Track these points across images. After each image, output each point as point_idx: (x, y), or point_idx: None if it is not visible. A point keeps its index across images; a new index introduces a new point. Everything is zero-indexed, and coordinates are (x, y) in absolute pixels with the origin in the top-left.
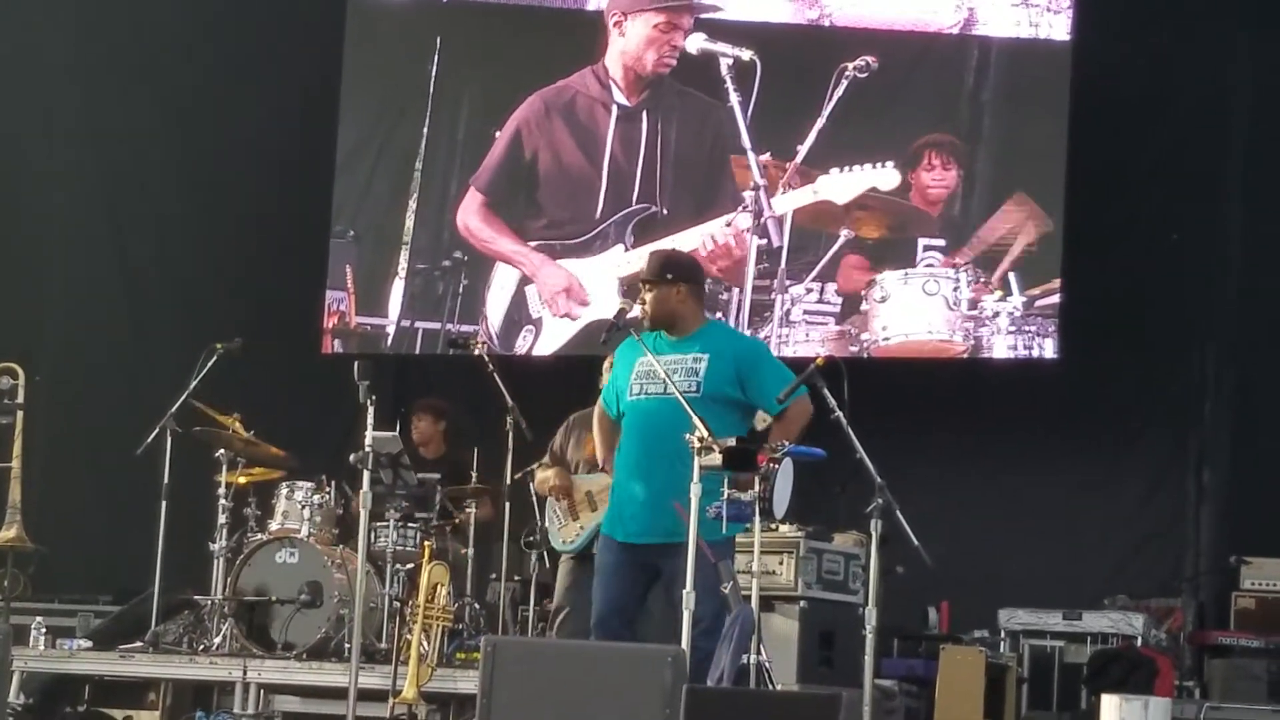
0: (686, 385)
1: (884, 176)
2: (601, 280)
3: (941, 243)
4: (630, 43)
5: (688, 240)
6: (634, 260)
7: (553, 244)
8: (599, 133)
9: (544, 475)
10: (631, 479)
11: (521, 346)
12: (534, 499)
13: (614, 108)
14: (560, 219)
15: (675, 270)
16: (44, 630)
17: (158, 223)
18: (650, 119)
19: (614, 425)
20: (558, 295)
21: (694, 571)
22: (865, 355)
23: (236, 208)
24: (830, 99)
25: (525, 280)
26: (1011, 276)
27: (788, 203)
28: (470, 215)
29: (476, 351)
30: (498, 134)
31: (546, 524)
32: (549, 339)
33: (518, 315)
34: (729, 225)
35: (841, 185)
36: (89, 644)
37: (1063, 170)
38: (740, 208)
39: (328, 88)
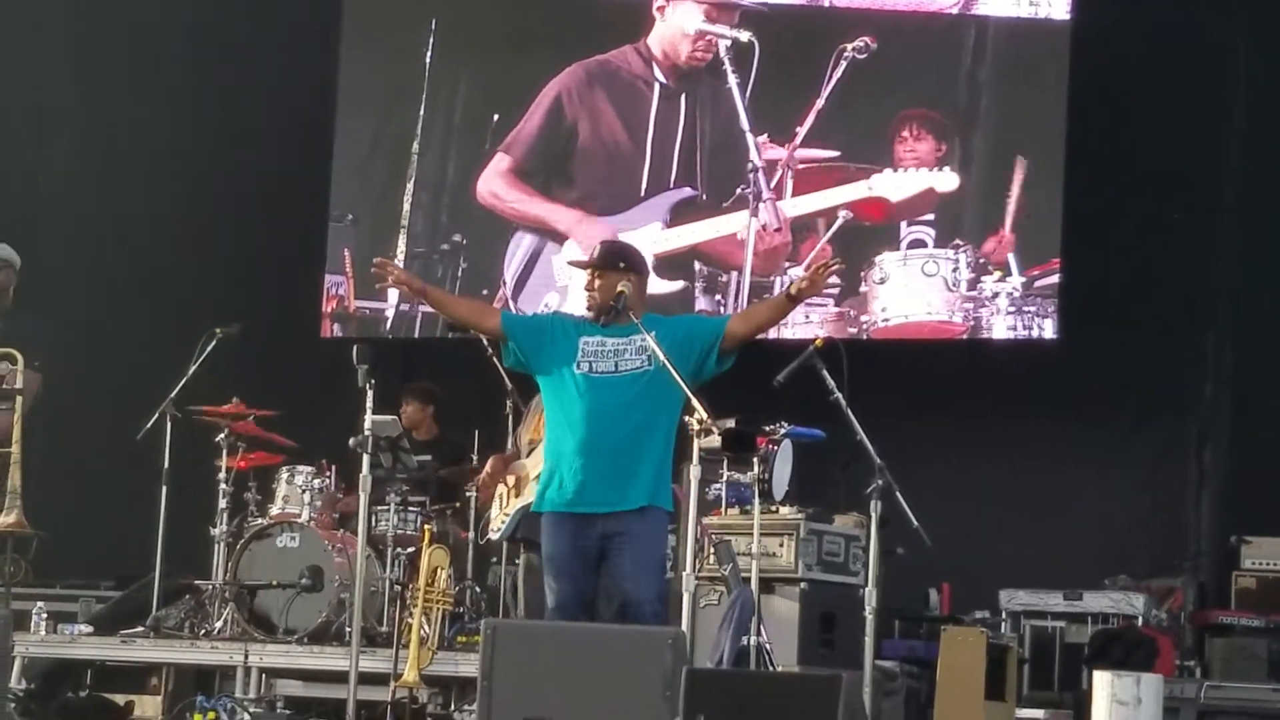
0: (639, 362)
1: (943, 179)
2: None
3: (931, 217)
4: (669, 29)
5: (725, 225)
6: (671, 238)
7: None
8: (642, 110)
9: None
10: (580, 453)
11: (544, 312)
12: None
13: (656, 86)
14: (594, 191)
15: (627, 260)
16: (45, 616)
17: (156, 207)
18: (689, 102)
19: (489, 311)
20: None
21: (692, 554)
22: (864, 337)
23: (234, 192)
24: (829, 80)
25: (549, 249)
26: (1011, 258)
27: (838, 196)
28: (495, 180)
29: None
30: (497, 117)
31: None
32: (574, 306)
33: (539, 282)
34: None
35: (898, 184)
36: (90, 629)
37: (1062, 150)
38: (740, 188)
39: (326, 72)
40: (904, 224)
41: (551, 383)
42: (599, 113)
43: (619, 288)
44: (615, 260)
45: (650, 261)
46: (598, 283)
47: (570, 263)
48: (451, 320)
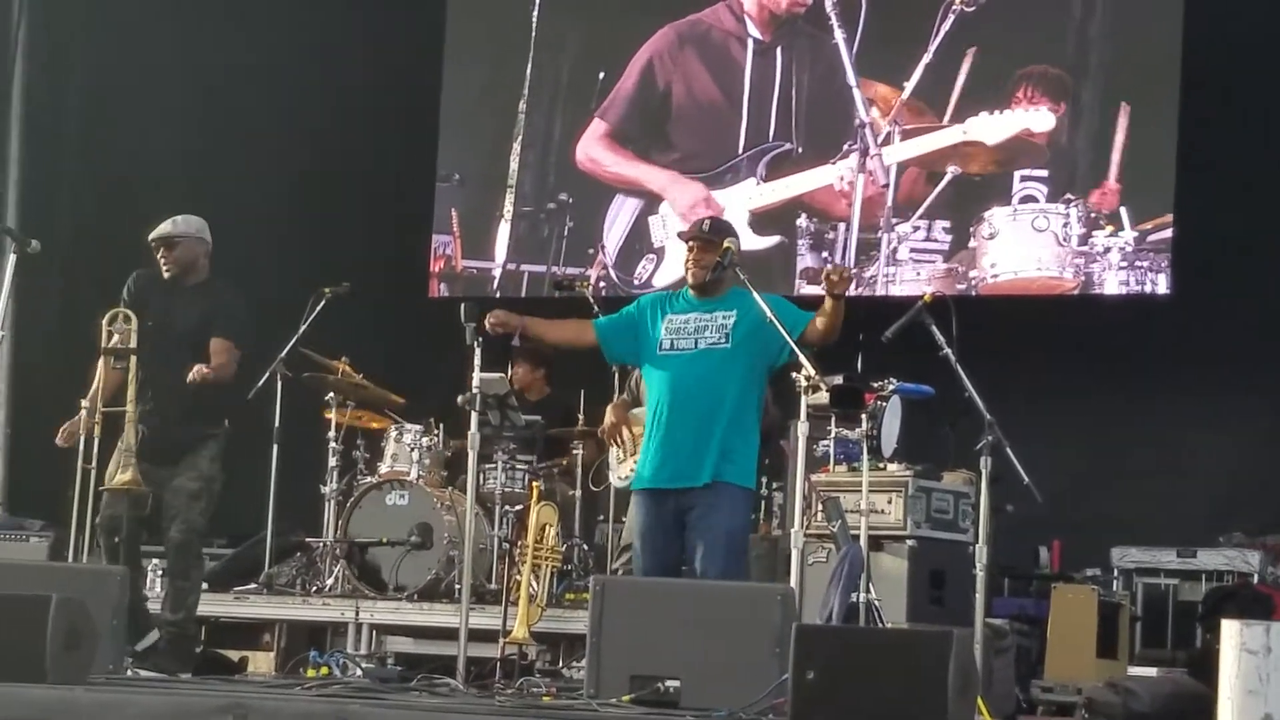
0: (717, 339)
1: (1039, 118)
2: (730, 213)
3: (1044, 173)
4: None
5: (822, 177)
6: (766, 193)
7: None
8: (736, 67)
9: (607, 416)
10: (660, 429)
11: (641, 275)
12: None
13: (749, 42)
14: (693, 151)
15: (728, 233)
16: (160, 573)
17: (266, 169)
18: (784, 56)
19: (583, 328)
20: (696, 207)
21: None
22: (973, 293)
23: (342, 153)
24: (937, 33)
25: (648, 210)
26: (1123, 212)
27: (932, 142)
28: (593, 145)
29: (583, 293)
30: (603, 75)
31: (610, 460)
32: (671, 268)
33: (639, 245)
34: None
35: (993, 126)
36: (205, 586)
37: (1175, 103)
38: (847, 145)
39: (432, 32)
40: (1016, 178)
41: (646, 366)
42: (692, 73)
43: (725, 244)
44: (718, 233)
45: (745, 218)
46: (704, 257)
47: (680, 234)
48: (555, 345)
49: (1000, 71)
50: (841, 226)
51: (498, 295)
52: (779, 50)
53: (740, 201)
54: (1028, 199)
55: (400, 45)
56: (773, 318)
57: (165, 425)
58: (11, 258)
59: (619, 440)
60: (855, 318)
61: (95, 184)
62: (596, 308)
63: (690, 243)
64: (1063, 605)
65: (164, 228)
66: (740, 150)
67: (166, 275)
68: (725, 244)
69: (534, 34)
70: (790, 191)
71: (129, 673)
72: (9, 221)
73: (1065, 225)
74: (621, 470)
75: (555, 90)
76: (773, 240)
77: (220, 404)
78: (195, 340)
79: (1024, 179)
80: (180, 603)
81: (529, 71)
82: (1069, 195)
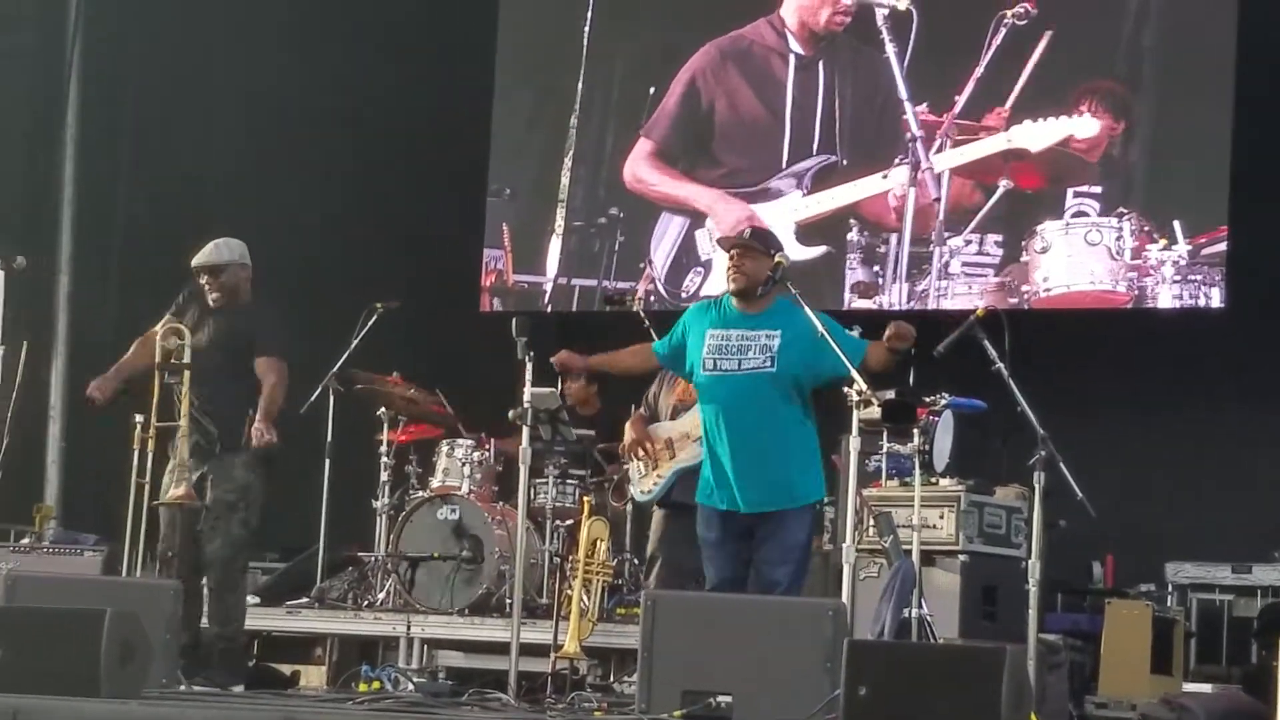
0: (761, 361)
1: (1082, 125)
2: (776, 226)
3: (1099, 190)
4: None
5: (870, 186)
6: (812, 205)
7: (728, 191)
8: (778, 82)
9: (626, 432)
10: (718, 452)
11: (689, 288)
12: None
13: (791, 57)
14: (738, 167)
15: (769, 243)
16: (212, 587)
17: (317, 184)
18: (826, 70)
19: (646, 354)
20: (741, 225)
21: (852, 525)
22: (1026, 306)
23: (393, 168)
24: (989, 47)
25: (694, 225)
26: (1177, 225)
27: (975, 150)
28: (639, 164)
29: (633, 308)
30: (653, 90)
31: (631, 474)
32: (718, 280)
33: (686, 259)
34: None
35: (1037, 134)
36: (257, 600)
37: (1229, 115)
38: (899, 159)
39: (484, 47)
40: (1069, 193)
41: (695, 380)
42: (735, 90)
43: (777, 258)
44: (762, 242)
45: (791, 230)
46: (745, 264)
47: (718, 240)
48: (622, 376)
49: (1053, 85)
50: (893, 239)
51: (549, 310)
52: (821, 65)
53: (785, 214)
54: (1080, 214)
55: (452, 60)
56: (836, 348)
57: (204, 443)
58: (0, 274)
59: (640, 456)
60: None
61: (149, 199)
62: (646, 322)
63: (731, 250)
64: (1117, 621)
65: (208, 254)
66: (784, 164)
67: (214, 304)
68: (777, 259)
69: (585, 49)
70: (836, 202)
71: (181, 687)
72: (65, 238)
73: (1118, 239)
74: (644, 485)
75: (606, 105)
76: (819, 251)
77: (248, 417)
78: (236, 362)
79: (1076, 194)
80: (229, 616)
81: (580, 87)
82: (1121, 209)
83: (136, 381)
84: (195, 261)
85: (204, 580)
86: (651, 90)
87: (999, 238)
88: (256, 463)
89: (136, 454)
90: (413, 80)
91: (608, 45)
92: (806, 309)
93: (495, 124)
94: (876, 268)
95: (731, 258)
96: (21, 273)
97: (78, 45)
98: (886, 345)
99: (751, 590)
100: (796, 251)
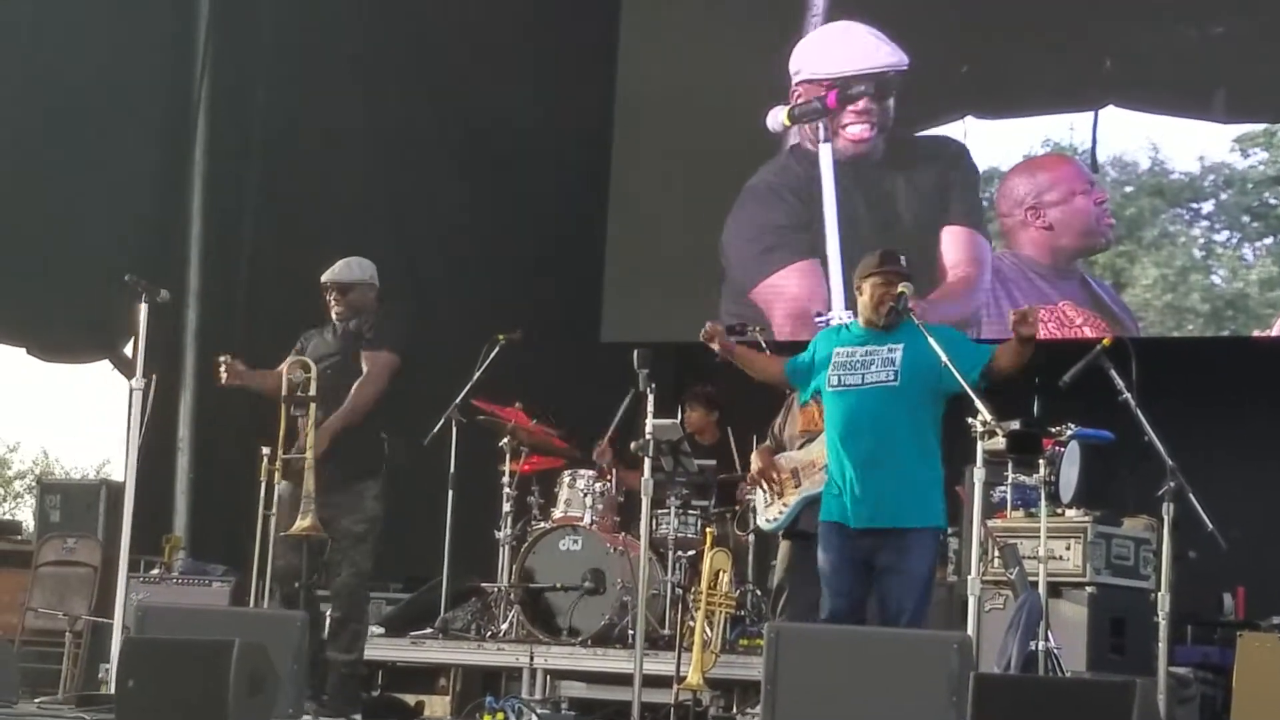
0: (885, 375)
1: None
2: None
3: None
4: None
5: None
6: None
7: None
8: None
9: (753, 460)
10: (840, 467)
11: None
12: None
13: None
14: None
15: (906, 266)
16: (337, 616)
17: (438, 215)
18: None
19: (779, 365)
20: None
21: (977, 557)
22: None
23: (515, 200)
24: None
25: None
26: None
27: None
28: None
29: (754, 337)
30: None
31: (756, 503)
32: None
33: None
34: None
35: None
36: (381, 631)
37: None
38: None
39: (607, 78)
40: None
41: (822, 398)
42: None
43: (900, 287)
44: (898, 266)
45: None
46: (883, 290)
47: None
48: (753, 374)
49: None
50: None
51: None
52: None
53: None
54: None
55: (571, 91)
56: (947, 362)
57: (328, 470)
58: (144, 308)
59: (768, 484)
60: (1033, 362)
61: (275, 233)
62: (767, 350)
63: (878, 276)
64: (1248, 654)
65: (338, 271)
66: None
67: (337, 319)
68: (900, 288)
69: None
70: None
71: (307, 718)
72: (193, 272)
73: None
74: (769, 513)
75: None
76: None
77: (380, 443)
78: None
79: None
80: (353, 644)
81: None
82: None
83: (260, 394)
84: (325, 278)
85: (327, 609)
86: None
87: None
88: (382, 493)
89: (263, 485)
90: (535, 112)
91: None
92: (927, 335)
93: (615, 150)
94: None
95: (878, 285)
96: (165, 305)
97: (205, 80)
98: (1018, 338)
99: (872, 622)
100: None
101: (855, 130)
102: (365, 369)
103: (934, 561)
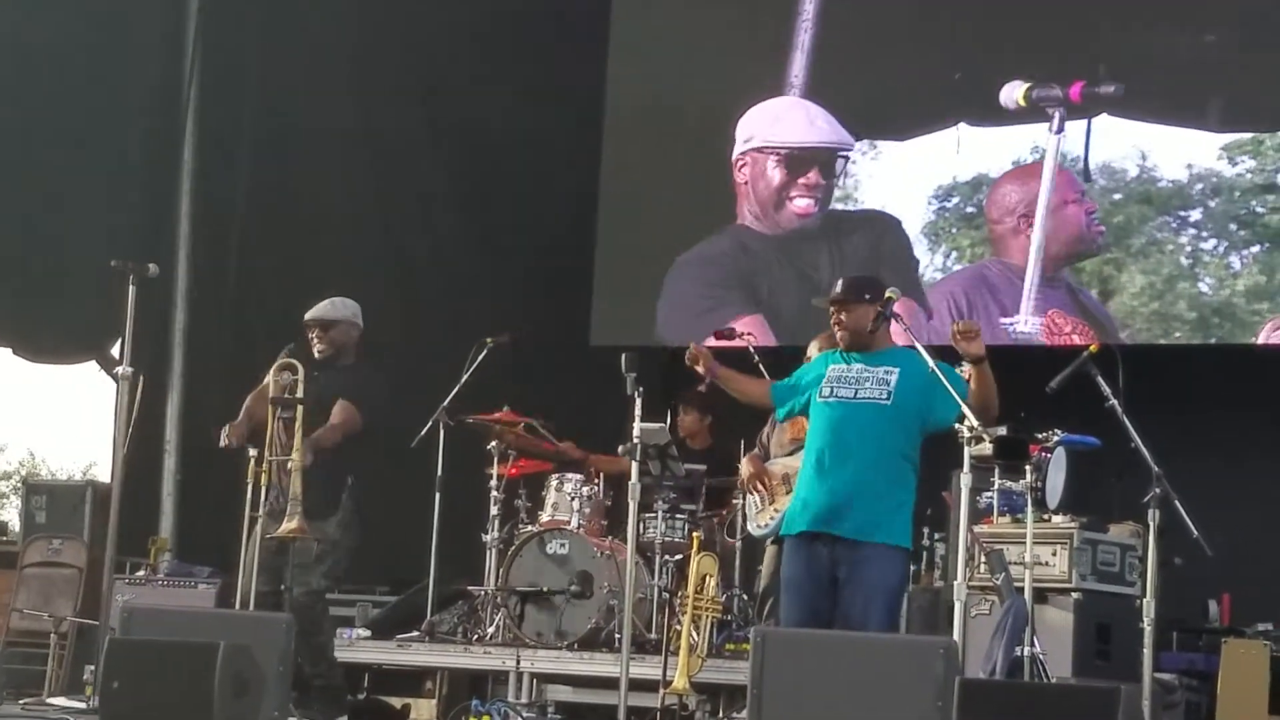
0: (879, 393)
1: None
2: None
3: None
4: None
5: None
6: None
7: None
8: None
9: (743, 466)
10: (815, 475)
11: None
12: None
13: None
14: None
15: (871, 291)
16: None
17: (428, 218)
18: None
19: (764, 389)
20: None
21: (963, 562)
22: (1139, 342)
23: (504, 202)
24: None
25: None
26: None
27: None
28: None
29: (742, 343)
30: None
31: (746, 510)
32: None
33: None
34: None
35: None
36: (368, 634)
37: None
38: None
39: (596, 81)
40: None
41: (811, 412)
42: None
43: (888, 293)
44: (861, 292)
45: None
46: (844, 316)
47: (814, 302)
48: (736, 395)
49: None
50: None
51: (659, 344)
52: None
53: None
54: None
55: (557, 94)
56: (949, 387)
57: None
58: (132, 289)
59: (758, 489)
60: (1021, 369)
61: (264, 236)
62: (756, 357)
63: (830, 308)
64: (1233, 660)
65: (322, 309)
66: None
67: (318, 356)
68: (888, 293)
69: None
70: None
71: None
72: (181, 270)
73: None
74: (760, 519)
75: None
76: None
77: (342, 483)
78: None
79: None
80: (319, 655)
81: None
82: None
83: (259, 431)
84: (309, 316)
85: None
86: None
87: None
88: (348, 520)
89: (250, 487)
90: (524, 119)
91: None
92: (928, 358)
93: (605, 154)
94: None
95: (832, 314)
96: (154, 280)
97: (194, 80)
98: (966, 358)
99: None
100: None
101: (802, 204)
102: (334, 414)
103: (898, 582)
